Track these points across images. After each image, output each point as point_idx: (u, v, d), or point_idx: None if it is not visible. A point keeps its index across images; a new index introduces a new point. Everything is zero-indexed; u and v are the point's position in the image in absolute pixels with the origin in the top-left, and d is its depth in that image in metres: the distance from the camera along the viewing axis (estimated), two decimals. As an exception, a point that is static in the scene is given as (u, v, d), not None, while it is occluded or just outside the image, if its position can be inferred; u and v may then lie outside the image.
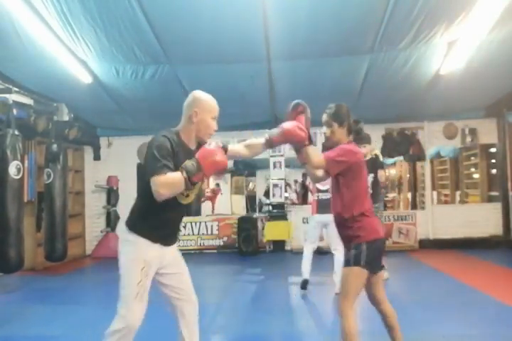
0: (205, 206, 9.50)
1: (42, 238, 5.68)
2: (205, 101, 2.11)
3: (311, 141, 2.38)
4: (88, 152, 7.97)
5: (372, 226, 2.37)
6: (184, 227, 7.72)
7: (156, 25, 4.43)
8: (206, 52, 5.00)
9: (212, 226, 7.66)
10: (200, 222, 7.76)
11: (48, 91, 5.94)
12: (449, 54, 5.21)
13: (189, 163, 1.90)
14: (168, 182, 1.87)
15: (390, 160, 8.65)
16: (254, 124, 7.16)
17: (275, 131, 2.29)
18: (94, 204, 7.91)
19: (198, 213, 8.40)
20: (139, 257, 2.02)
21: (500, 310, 3.80)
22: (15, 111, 5.00)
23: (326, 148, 2.72)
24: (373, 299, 2.48)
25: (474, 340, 3.17)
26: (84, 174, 7.94)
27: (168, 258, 2.14)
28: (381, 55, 5.15)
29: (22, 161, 4.75)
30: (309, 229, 4.89)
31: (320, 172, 2.55)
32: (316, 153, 2.39)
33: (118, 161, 7.88)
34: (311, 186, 5.04)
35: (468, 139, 7.50)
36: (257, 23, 4.45)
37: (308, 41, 4.79)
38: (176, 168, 1.92)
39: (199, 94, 2.14)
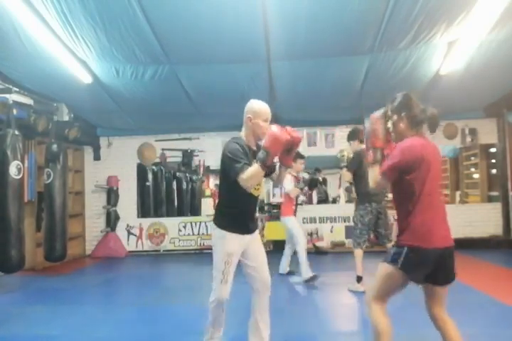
0: (205, 206, 9.49)
1: (42, 238, 5.68)
2: (255, 107, 2.56)
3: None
4: (88, 152, 7.97)
5: (422, 232, 2.12)
6: (184, 227, 7.74)
7: (156, 25, 4.43)
8: (206, 52, 5.00)
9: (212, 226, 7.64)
10: (200, 222, 7.76)
11: (48, 91, 5.93)
12: (449, 54, 5.21)
13: (259, 153, 2.36)
14: (250, 175, 2.35)
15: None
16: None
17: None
18: (94, 204, 7.90)
19: (197, 213, 8.41)
20: (223, 250, 2.55)
21: (501, 310, 3.80)
22: (15, 111, 5.00)
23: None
24: (429, 313, 2.29)
25: (474, 340, 3.16)
26: (84, 174, 7.94)
27: (248, 243, 2.63)
28: (381, 55, 5.15)
29: (22, 161, 4.76)
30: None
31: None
32: (374, 175, 2.25)
33: (118, 161, 7.88)
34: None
35: (468, 139, 7.50)
36: (257, 23, 4.45)
37: (308, 41, 4.79)
38: (249, 166, 2.39)
39: (251, 102, 2.59)
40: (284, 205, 5.49)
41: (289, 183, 5.31)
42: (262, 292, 2.67)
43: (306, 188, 5.74)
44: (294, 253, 5.41)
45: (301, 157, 5.39)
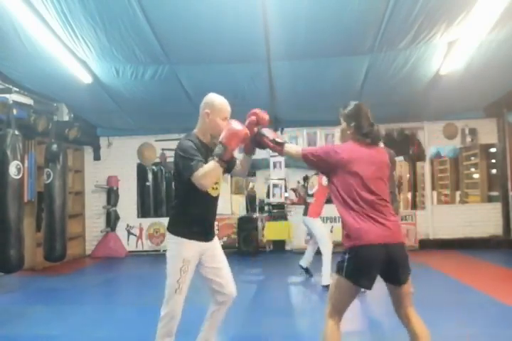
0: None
1: (42, 238, 5.68)
2: (215, 102, 2.36)
3: (276, 143, 2.33)
4: (88, 152, 7.97)
5: (356, 232, 2.11)
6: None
7: (156, 25, 4.43)
8: (206, 52, 5.00)
9: (212, 226, 7.63)
10: (200, 222, 7.75)
11: (48, 91, 5.93)
12: (449, 54, 5.21)
13: (216, 148, 2.18)
14: (206, 172, 2.14)
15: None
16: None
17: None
18: (94, 204, 7.91)
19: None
20: (179, 256, 2.31)
21: (501, 310, 3.80)
22: (15, 111, 5.00)
23: None
24: (398, 315, 2.26)
25: (474, 340, 3.16)
26: (84, 174, 7.94)
27: (208, 252, 2.40)
28: (381, 55, 5.15)
29: (22, 161, 4.75)
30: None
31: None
32: (293, 147, 2.38)
33: (118, 161, 7.88)
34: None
35: (468, 139, 7.50)
36: (257, 23, 4.45)
37: (308, 41, 4.79)
38: (204, 163, 2.19)
39: (211, 96, 2.40)
40: (314, 204, 5.13)
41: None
42: (224, 305, 2.44)
43: None
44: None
45: None
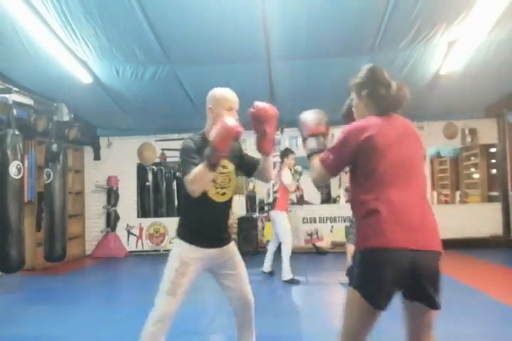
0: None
1: (42, 238, 5.68)
2: (216, 94, 2.18)
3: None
4: (88, 152, 7.97)
5: (372, 230, 1.60)
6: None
7: (156, 25, 4.43)
8: (206, 52, 5.00)
9: (212, 226, 7.63)
10: (200, 222, 7.75)
11: (48, 91, 5.93)
12: (449, 54, 5.21)
13: (206, 150, 1.96)
14: (194, 177, 1.94)
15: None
16: (254, 124, 7.17)
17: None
18: (94, 204, 7.91)
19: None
20: (177, 257, 2.15)
21: (501, 310, 3.80)
22: (15, 111, 5.00)
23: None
24: None
25: (474, 340, 3.16)
26: (84, 174, 7.94)
27: (218, 259, 2.23)
28: (381, 55, 5.15)
29: (22, 161, 4.76)
30: None
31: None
32: (312, 165, 1.84)
33: (118, 161, 7.88)
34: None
35: (468, 139, 7.50)
36: (257, 23, 4.45)
37: (308, 41, 4.79)
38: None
39: (212, 90, 2.21)
40: (280, 199, 5.27)
41: (288, 176, 5.25)
42: (243, 316, 2.32)
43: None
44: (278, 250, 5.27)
45: (292, 152, 5.47)
